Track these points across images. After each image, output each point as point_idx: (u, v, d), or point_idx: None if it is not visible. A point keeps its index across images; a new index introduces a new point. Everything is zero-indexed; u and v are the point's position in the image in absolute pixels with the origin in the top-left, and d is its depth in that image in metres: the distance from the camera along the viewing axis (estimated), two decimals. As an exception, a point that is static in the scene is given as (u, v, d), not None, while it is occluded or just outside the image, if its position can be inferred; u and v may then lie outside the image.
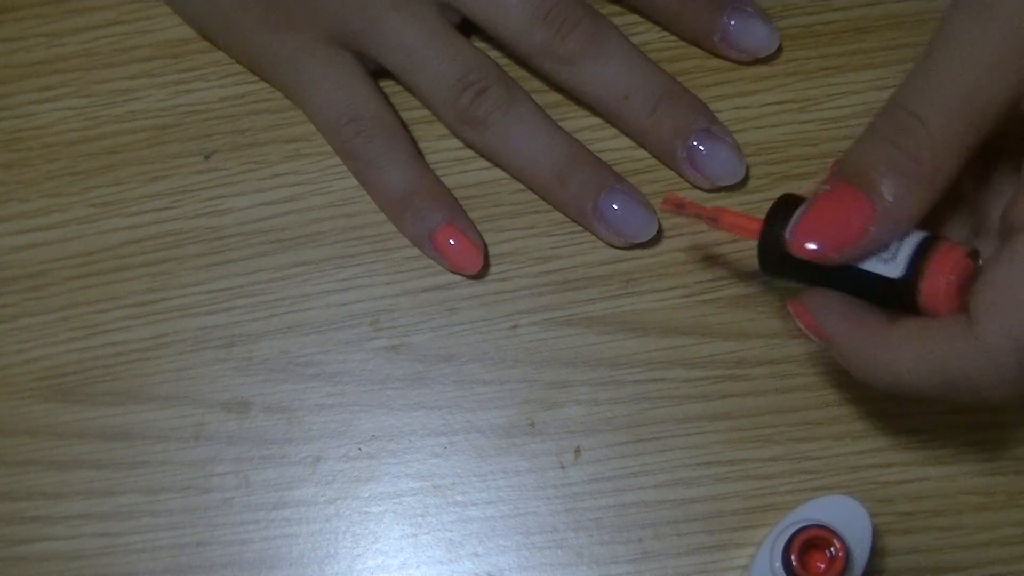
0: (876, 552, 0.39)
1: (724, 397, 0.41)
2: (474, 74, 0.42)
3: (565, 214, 0.43)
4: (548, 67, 0.42)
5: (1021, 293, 0.31)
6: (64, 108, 0.45)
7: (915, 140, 0.32)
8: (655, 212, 0.42)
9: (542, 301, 0.43)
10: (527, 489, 0.41)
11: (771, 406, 0.41)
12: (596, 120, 0.43)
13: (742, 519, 0.41)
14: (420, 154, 0.43)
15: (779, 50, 0.43)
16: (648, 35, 0.44)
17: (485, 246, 0.42)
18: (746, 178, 0.42)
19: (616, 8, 0.44)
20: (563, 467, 0.41)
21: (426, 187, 0.42)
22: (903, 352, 0.33)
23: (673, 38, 0.44)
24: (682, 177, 0.43)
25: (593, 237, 0.43)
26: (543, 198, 0.43)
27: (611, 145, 0.43)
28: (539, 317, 0.42)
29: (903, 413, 0.41)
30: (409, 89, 0.43)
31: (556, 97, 0.44)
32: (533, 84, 0.44)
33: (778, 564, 0.36)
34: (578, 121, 0.43)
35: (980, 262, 0.33)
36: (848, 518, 0.37)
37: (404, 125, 0.43)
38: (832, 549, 0.36)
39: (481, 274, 0.42)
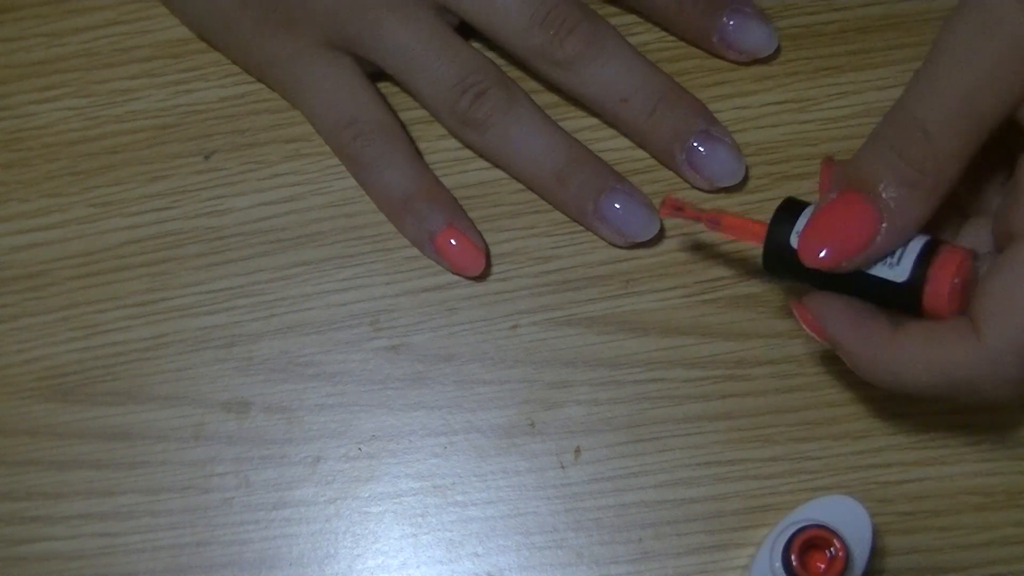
0: (876, 552, 0.39)
1: (724, 397, 0.41)
2: (473, 76, 0.42)
3: (566, 214, 0.43)
4: (546, 70, 0.42)
5: (1021, 301, 0.32)
6: (64, 108, 0.45)
7: (918, 149, 0.33)
8: (656, 211, 0.42)
9: (542, 301, 0.43)
10: (527, 489, 0.41)
11: (771, 406, 0.41)
12: (596, 120, 0.43)
13: (742, 519, 0.41)
14: (420, 156, 0.43)
15: (779, 50, 0.43)
16: (647, 36, 0.44)
17: (487, 247, 0.42)
18: (746, 178, 0.42)
19: (615, 8, 0.44)
20: (563, 467, 0.41)
21: (426, 189, 0.42)
22: (908, 355, 0.34)
23: (672, 39, 0.44)
24: (682, 178, 0.43)
25: (593, 237, 0.43)
26: (544, 199, 0.43)
27: (611, 145, 0.43)
28: (539, 317, 0.42)
29: (903, 413, 0.41)
30: (408, 92, 0.43)
31: (555, 97, 0.44)
32: (532, 84, 0.44)
33: (778, 564, 0.36)
34: (578, 121, 0.43)
35: (979, 264, 0.34)
36: (848, 518, 0.37)
37: (404, 127, 0.43)
38: (832, 549, 0.36)
39: (482, 275, 0.42)
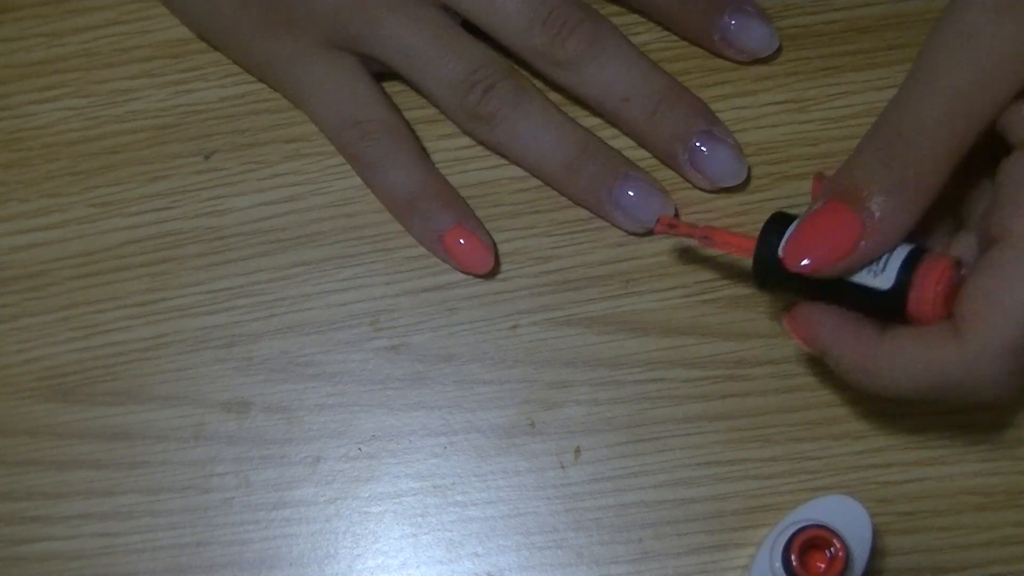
0: (876, 552, 0.39)
1: (724, 397, 0.41)
2: (481, 71, 0.41)
3: (581, 205, 0.43)
4: (547, 70, 0.42)
5: (1001, 302, 0.33)
6: (64, 108, 0.45)
7: (901, 159, 0.34)
8: (670, 196, 0.42)
9: (542, 301, 0.43)
10: (527, 489, 0.41)
11: (771, 406, 0.41)
12: (598, 120, 0.43)
13: (742, 519, 0.41)
14: (426, 155, 0.43)
15: (779, 50, 0.43)
16: (648, 35, 0.44)
17: (495, 245, 0.42)
18: (747, 178, 0.42)
19: (616, 8, 0.44)
20: (563, 467, 0.41)
21: (433, 188, 0.42)
22: (895, 360, 0.34)
23: (673, 38, 0.44)
24: (684, 178, 0.43)
25: (593, 237, 0.43)
26: (557, 191, 0.43)
27: (613, 145, 0.43)
28: (539, 317, 0.42)
29: (903, 413, 0.41)
30: (416, 89, 0.43)
31: (557, 97, 0.44)
32: (533, 83, 0.44)
33: (778, 564, 0.36)
34: (580, 121, 0.43)
35: (963, 271, 0.35)
36: (848, 518, 0.37)
37: (409, 126, 0.43)
38: (832, 549, 0.36)
39: (490, 273, 0.42)
